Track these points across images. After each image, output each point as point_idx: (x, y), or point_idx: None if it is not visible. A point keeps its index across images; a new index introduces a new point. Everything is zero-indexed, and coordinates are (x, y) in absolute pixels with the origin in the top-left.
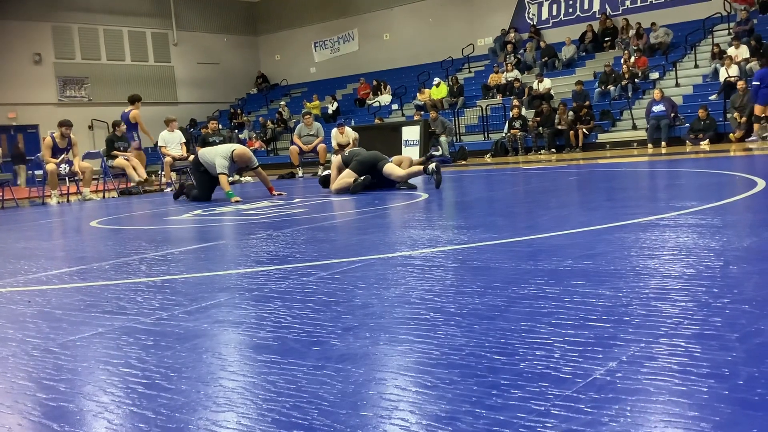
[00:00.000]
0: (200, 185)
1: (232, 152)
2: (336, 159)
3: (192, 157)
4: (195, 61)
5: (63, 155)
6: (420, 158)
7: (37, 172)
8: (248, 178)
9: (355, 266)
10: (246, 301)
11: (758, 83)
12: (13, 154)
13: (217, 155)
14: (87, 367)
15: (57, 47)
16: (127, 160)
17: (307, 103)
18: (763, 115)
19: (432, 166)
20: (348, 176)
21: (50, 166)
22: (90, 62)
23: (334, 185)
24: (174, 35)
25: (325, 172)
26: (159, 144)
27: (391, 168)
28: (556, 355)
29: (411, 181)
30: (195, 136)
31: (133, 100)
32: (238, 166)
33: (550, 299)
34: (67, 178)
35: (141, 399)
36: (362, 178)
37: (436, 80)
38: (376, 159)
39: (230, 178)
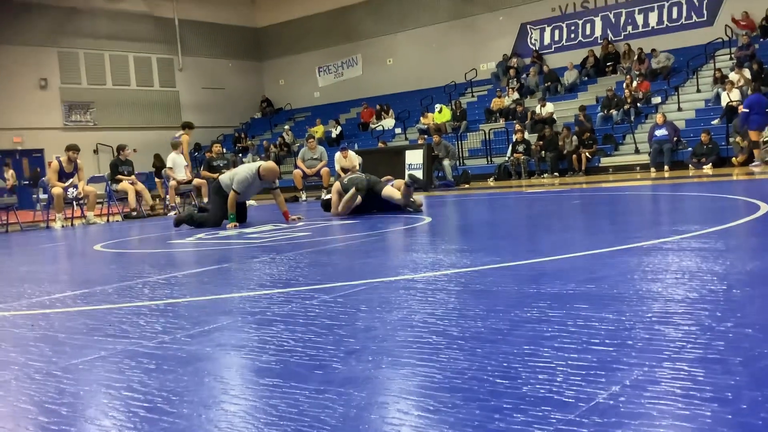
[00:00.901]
0: (216, 210)
1: (259, 168)
2: (336, 185)
3: (196, 180)
4: (200, 85)
5: (70, 180)
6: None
7: (42, 196)
8: (252, 202)
9: (358, 289)
10: (249, 324)
11: (747, 110)
12: (31, 178)
13: (238, 172)
14: (89, 391)
15: (63, 72)
16: (132, 184)
17: (311, 129)
18: (760, 140)
19: (407, 179)
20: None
21: (56, 190)
22: (96, 87)
23: (337, 209)
24: (179, 60)
25: (327, 196)
26: (168, 165)
27: (391, 191)
28: (558, 379)
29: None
30: (199, 160)
31: (185, 126)
32: (264, 183)
33: (553, 323)
34: (73, 202)
35: (143, 423)
36: (351, 192)
37: (438, 106)
38: (372, 183)
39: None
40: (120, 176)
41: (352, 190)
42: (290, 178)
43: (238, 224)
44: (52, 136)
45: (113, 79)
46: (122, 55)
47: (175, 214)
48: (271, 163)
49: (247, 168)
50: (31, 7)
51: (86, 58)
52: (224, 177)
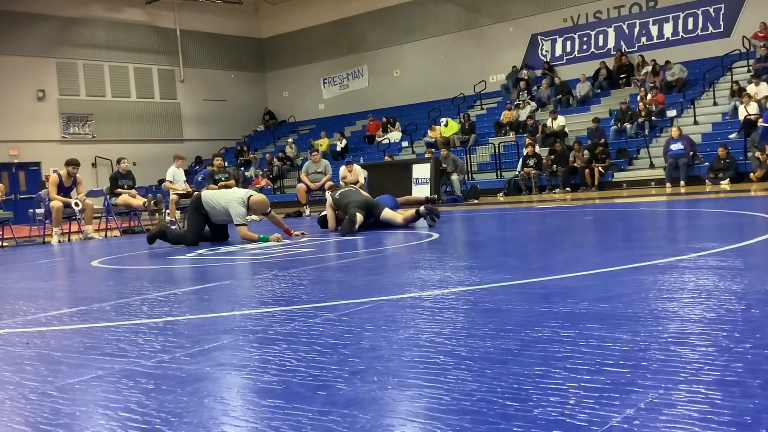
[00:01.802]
0: (193, 228)
1: (249, 198)
2: (329, 200)
3: (196, 194)
4: (201, 97)
5: (71, 194)
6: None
7: (38, 211)
8: (254, 217)
9: (363, 308)
10: (250, 343)
11: (767, 125)
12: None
13: (231, 201)
14: (85, 412)
15: (61, 83)
16: (132, 197)
17: (315, 142)
18: None
19: (422, 208)
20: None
21: (55, 204)
22: (95, 99)
23: (334, 225)
24: (181, 72)
25: (323, 213)
26: (167, 179)
27: (391, 215)
28: (571, 402)
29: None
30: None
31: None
32: (252, 214)
33: (565, 343)
34: (72, 216)
35: None
36: (359, 217)
37: (443, 120)
38: (370, 205)
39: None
40: (119, 190)
41: (360, 216)
42: (293, 193)
43: (279, 236)
44: (49, 148)
45: (113, 91)
46: (122, 66)
47: (175, 228)
48: (262, 196)
49: (238, 198)
50: (28, 16)
51: (85, 69)
52: (207, 196)
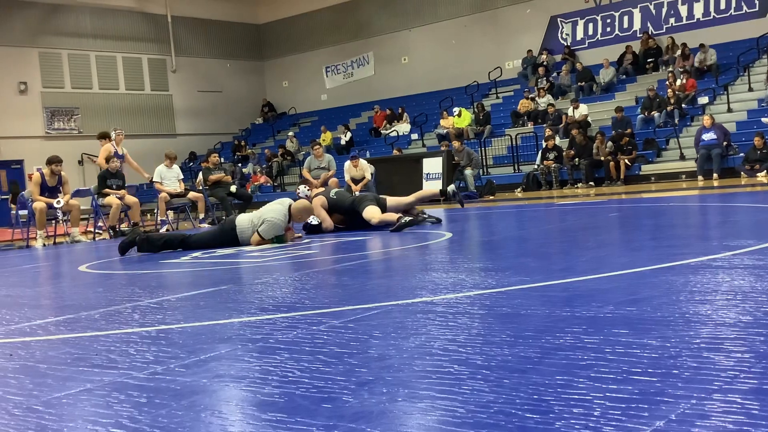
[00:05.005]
0: (211, 237)
1: (289, 208)
2: (321, 199)
3: (191, 194)
4: (195, 88)
5: (58, 194)
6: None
7: (21, 212)
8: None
9: (371, 313)
10: (249, 353)
11: None
12: (11, 192)
13: (268, 218)
14: (73, 428)
15: (44, 75)
16: (120, 199)
17: (321, 135)
18: None
19: (452, 188)
20: (337, 220)
21: (39, 205)
22: (80, 91)
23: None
24: (172, 61)
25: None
26: (154, 179)
27: (370, 214)
28: (596, 413)
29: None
30: (195, 171)
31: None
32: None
33: (589, 350)
34: (57, 218)
35: None
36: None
37: (456, 110)
38: (358, 200)
39: None
40: (107, 190)
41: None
42: (294, 191)
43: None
44: (32, 145)
45: (100, 83)
46: (110, 55)
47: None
48: (303, 201)
49: (279, 211)
50: (8, 3)
51: (70, 60)
52: (242, 221)
